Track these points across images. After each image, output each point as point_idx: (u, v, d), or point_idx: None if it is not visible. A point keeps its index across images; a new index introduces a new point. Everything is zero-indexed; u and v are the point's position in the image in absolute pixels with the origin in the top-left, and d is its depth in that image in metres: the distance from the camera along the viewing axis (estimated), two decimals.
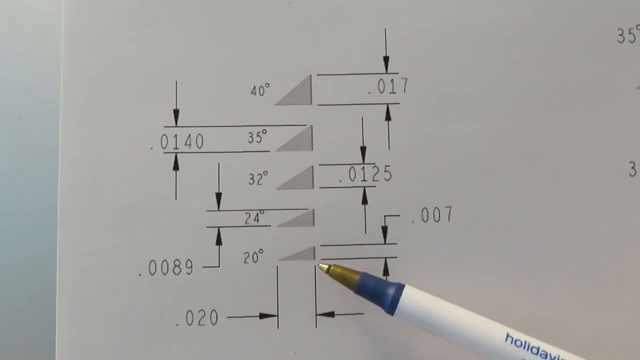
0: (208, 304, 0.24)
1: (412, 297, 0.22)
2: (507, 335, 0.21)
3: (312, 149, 0.24)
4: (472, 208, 0.24)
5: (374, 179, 0.24)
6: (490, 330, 0.21)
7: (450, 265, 0.24)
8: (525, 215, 0.24)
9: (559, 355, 0.20)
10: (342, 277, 0.22)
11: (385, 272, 0.24)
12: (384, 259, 0.24)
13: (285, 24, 0.25)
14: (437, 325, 0.21)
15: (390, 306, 0.22)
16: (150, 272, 0.24)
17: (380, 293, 0.22)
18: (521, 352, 0.20)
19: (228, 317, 0.24)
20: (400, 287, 0.22)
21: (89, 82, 0.24)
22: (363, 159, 0.24)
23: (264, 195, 0.24)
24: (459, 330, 0.21)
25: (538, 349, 0.21)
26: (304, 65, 0.25)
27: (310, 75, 0.25)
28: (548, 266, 0.24)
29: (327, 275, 0.23)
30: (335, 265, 0.23)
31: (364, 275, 0.22)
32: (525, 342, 0.21)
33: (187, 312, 0.24)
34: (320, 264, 0.23)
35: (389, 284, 0.22)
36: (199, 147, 0.24)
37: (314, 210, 0.24)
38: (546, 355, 0.20)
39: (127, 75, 0.24)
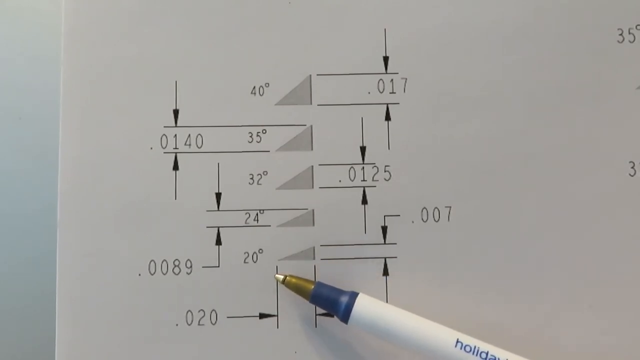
0: (208, 304, 0.24)
1: (364, 306, 0.22)
2: (457, 341, 0.21)
3: (312, 149, 0.24)
4: (472, 208, 0.24)
5: (374, 179, 0.24)
6: (441, 336, 0.21)
7: (450, 265, 0.24)
8: (525, 215, 0.24)
9: (507, 359, 0.21)
10: (297, 287, 0.23)
11: (385, 272, 0.24)
12: (383, 259, 0.24)
13: (285, 24, 0.25)
14: (390, 332, 0.22)
15: (344, 314, 0.22)
16: (150, 272, 0.24)
17: (333, 301, 0.22)
18: (470, 357, 0.21)
19: (228, 317, 0.24)
20: (353, 296, 0.22)
21: (89, 82, 0.24)
22: (363, 159, 0.24)
23: (264, 195, 0.24)
24: (410, 337, 0.21)
25: (487, 353, 0.21)
26: (304, 65, 0.25)
27: (310, 75, 0.25)
28: (548, 266, 0.24)
29: (327, 275, 0.23)
30: (290, 276, 0.23)
31: (319, 284, 0.23)
32: (475, 347, 0.21)
33: (187, 312, 0.24)
34: (276, 275, 0.23)
35: (343, 293, 0.22)
36: (198, 147, 0.24)
37: (313, 210, 0.24)
38: (495, 359, 0.21)
39: (127, 75, 0.24)
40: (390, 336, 0.22)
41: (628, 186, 0.24)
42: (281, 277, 0.23)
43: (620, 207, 0.24)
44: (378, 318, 0.22)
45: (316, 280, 0.23)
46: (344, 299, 0.22)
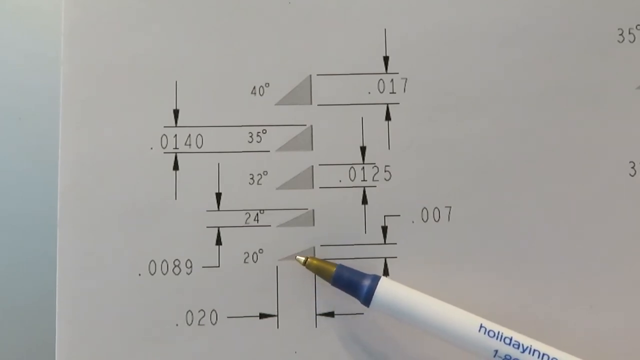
0: (208, 304, 0.24)
1: (387, 289, 0.22)
2: (481, 326, 0.21)
3: (312, 149, 0.24)
4: (472, 208, 0.24)
5: (374, 179, 0.24)
6: (464, 320, 0.21)
7: (450, 265, 0.24)
8: (525, 215, 0.24)
9: (531, 346, 0.21)
10: (319, 269, 0.23)
11: (385, 272, 0.24)
12: (383, 259, 0.24)
13: (285, 24, 0.25)
14: (412, 316, 0.21)
15: (366, 297, 0.22)
16: (150, 272, 0.24)
17: (356, 284, 0.22)
18: (494, 342, 0.21)
19: (228, 317, 0.24)
20: (376, 279, 0.22)
21: (89, 82, 0.24)
22: (363, 159, 0.24)
23: (264, 195, 0.24)
24: (433, 321, 0.21)
25: (511, 339, 0.21)
26: (304, 65, 0.25)
27: (310, 75, 0.25)
28: (548, 266, 0.24)
29: None
30: (312, 258, 0.23)
31: (340, 267, 0.23)
32: (499, 332, 0.21)
33: (187, 312, 0.24)
34: (297, 257, 0.23)
35: (365, 276, 0.22)
36: (198, 147, 0.24)
37: (313, 210, 0.24)
38: (518, 345, 0.21)
39: (127, 75, 0.24)
40: (413, 320, 0.21)
41: (628, 186, 0.24)
42: (302, 259, 0.23)
43: (620, 207, 0.24)
44: (400, 301, 0.21)
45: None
46: (367, 282, 0.22)
